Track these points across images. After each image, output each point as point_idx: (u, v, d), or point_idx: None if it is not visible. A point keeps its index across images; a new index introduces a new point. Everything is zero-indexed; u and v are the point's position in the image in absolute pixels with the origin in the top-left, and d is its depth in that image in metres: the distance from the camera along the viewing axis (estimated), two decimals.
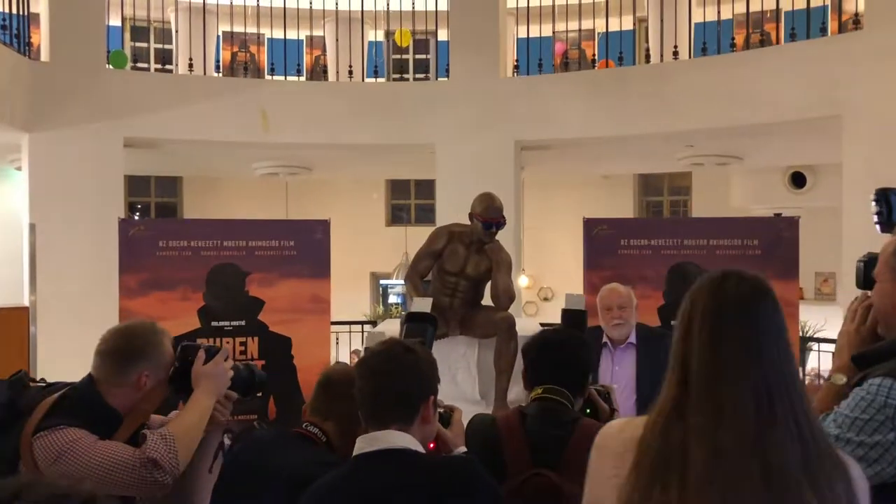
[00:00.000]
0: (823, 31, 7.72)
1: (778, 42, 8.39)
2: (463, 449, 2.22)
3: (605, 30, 10.19)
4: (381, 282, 15.70)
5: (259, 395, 2.77)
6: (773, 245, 5.56)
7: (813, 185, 11.32)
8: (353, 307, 11.72)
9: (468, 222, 4.86)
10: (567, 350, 2.50)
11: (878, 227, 2.05)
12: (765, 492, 1.21)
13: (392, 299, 15.82)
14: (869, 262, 1.88)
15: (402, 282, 15.85)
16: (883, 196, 2.00)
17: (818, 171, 11.23)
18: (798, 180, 11.47)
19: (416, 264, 5.01)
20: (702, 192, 13.86)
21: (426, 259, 4.97)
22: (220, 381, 2.42)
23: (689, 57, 9.00)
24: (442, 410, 2.14)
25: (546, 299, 13.70)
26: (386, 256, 14.15)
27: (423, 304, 2.55)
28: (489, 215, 4.73)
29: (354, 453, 1.97)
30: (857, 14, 7.46)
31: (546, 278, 13.00)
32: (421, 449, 1.95)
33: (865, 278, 1.89)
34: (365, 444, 1.95)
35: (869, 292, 1.86)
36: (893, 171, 6.52)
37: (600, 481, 1.34)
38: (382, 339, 2.09)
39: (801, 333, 8.43)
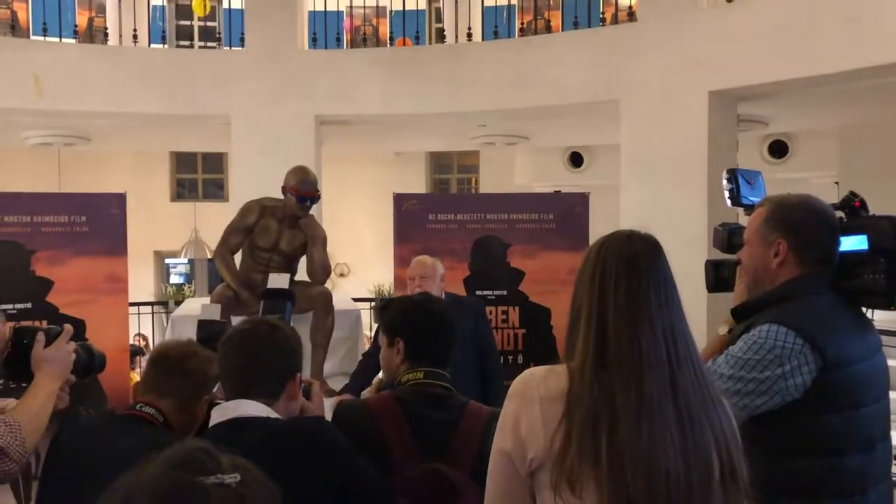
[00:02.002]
0: (603, 20, 8.33)
1: (562, 29, 8.92)
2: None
3: (398, 8, 10.28)
4: (167, 260, 14.94)
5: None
6: (566, 219, 5.96)
7: (589, 164, 12.22)
8: (136, 287, 11.05)
9: (279, 196, 4.78)
10: (448, 318, 2.42)
11: (729, 201, 2.34)
12: (681, 437, 1.35)
13: (175, 279, 15.11)
14: (735, 229, 2.19)
15: (186, 261, 15.20)
16: (733, 175, 2.29)
17: (593, 151, 12.14)
18: (575, 160, 12.34)
19: (226, 240, 4.86)
20: (488, 170, 14.48)
21: (237, 235, 4.85)
22: (65, 365, 2.31)
23: (482, 39, 9.34)
24: (303, 385, 2.15)
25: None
26: (172, 234, 13.48)
27: (280, 280, 2.51)
28: (304, 189, 4.69)
29: (210, 425, 1.94)
30: (630, 7, 8.11)
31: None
32: (275, 416, 1.93)
33: (730, 243, 2.21)
34: (218, 414, 1.94)
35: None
36: (666, 153, 7.23)
37: (531, 418, 1.41)
38: (247, 318, 2.04)
39: None
